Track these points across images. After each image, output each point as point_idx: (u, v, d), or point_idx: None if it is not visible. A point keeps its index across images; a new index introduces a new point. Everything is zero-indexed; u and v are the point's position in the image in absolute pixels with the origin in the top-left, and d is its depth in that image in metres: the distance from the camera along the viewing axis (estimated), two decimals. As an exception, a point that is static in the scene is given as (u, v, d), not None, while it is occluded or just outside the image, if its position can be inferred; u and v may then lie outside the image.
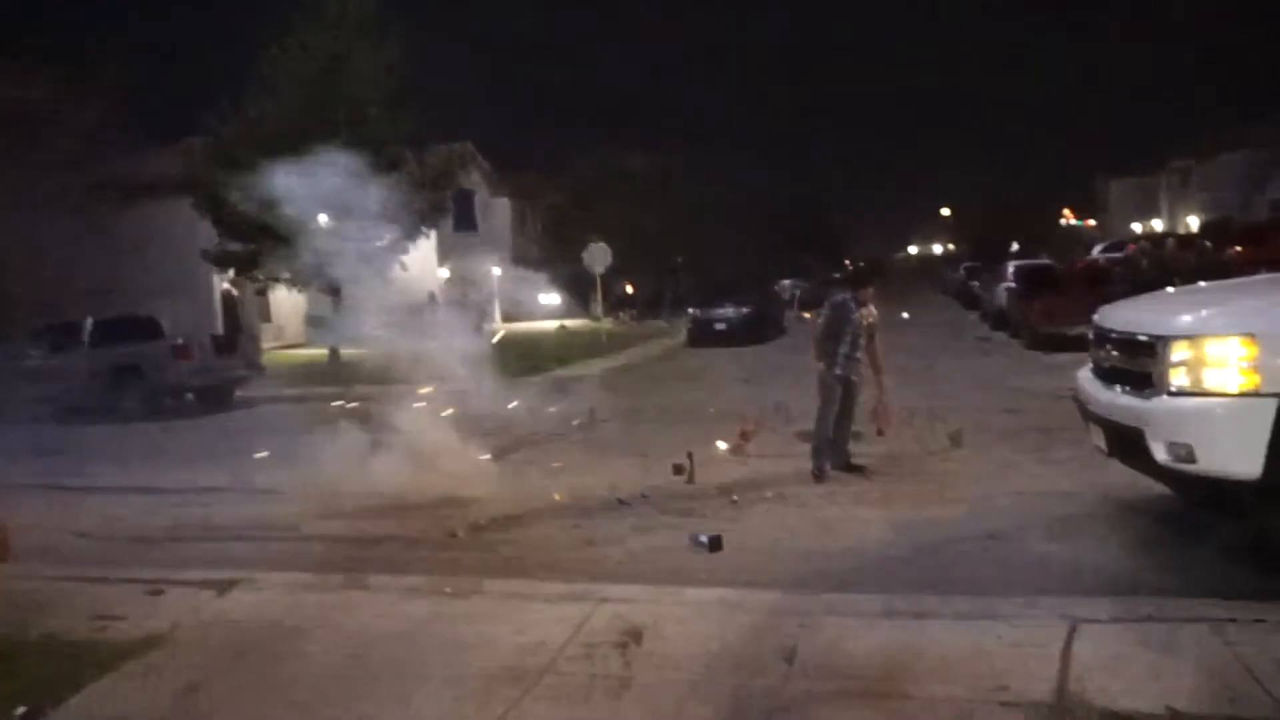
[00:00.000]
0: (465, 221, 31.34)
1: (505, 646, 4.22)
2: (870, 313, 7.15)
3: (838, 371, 7.04)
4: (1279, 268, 7.47)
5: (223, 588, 5.16)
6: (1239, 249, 19.59)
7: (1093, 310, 5.77)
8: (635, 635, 4.19)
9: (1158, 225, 47.01)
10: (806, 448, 7.93)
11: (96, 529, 6.77)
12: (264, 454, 7.71)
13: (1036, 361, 14.24)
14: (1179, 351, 4.42)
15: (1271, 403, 4.16)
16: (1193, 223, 41.37)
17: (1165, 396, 4.46)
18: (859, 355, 7.09)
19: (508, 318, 33.10)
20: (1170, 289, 6.16)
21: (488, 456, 8.40)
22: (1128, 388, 4.87)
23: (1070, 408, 5.78)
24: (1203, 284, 6.68)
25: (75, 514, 7.24)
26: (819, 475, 7.05)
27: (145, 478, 8.43)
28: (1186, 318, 4.54)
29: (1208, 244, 17.46)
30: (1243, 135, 37.81)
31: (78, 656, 4.29)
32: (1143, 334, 4.79)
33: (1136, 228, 47.16)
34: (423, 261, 22.62)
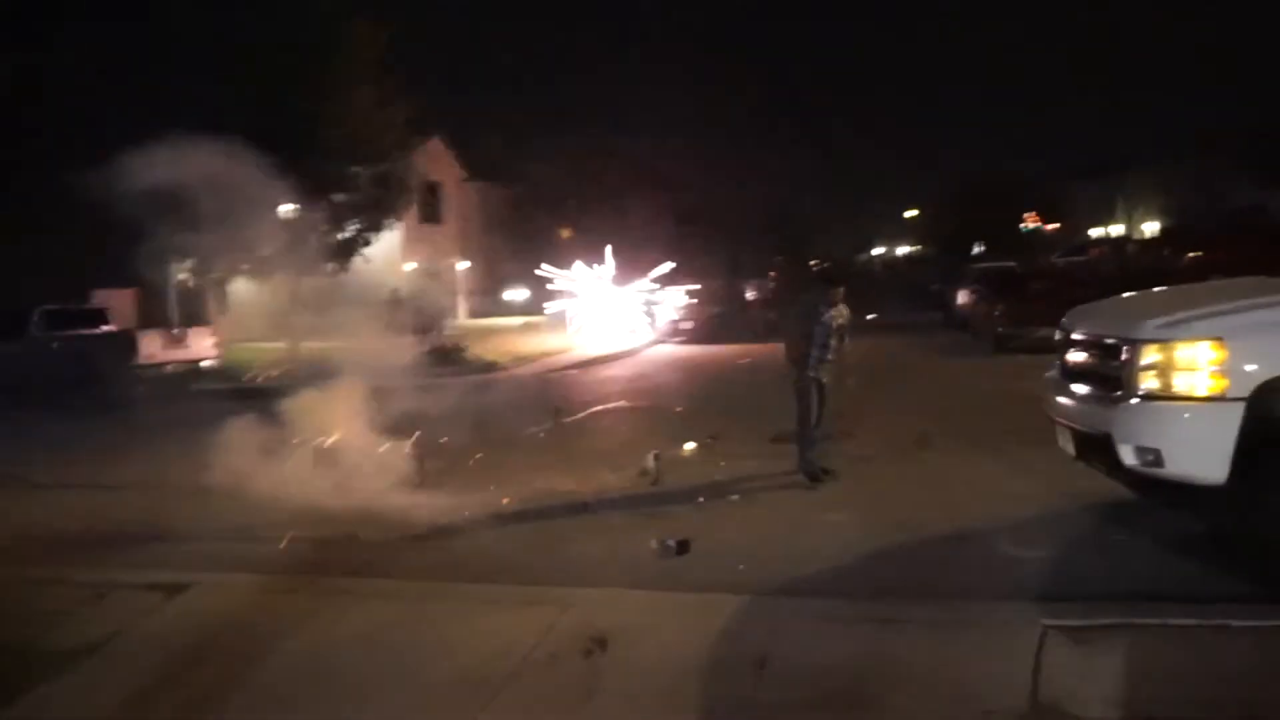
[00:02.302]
0: (431, 214, 30.92)
1: (468, 652, 4.11)
2: (841, 313, 7.11)
3: (810, 373, 6.99)
4: (1234, 273, 7.57)
5: (171, 591, 4.97)
6: (1196, 254, 20.00)
7: (1056, 314, 5.78)
8: (601, 641, 4.09)
9: (1116, 230, 47.91)
10: (773, 449, 7.88)
11: (37, 526, 6.50)
12: (218, 450, 7.46)
13: (1000, 364, 14.37)
14: (1148, 355, 4.42)
15: (1238, 407, 4.18)
16: (1150, 228, 42.27)
17: (1134, 400, 4.46)
18: (830, 356, 7.04)
19: (473, 313, 32.80)
20: (1133, 293, 6.17)
21: (449, 457, 8.23)
22: (1095, 391, 4.87)
23: (1036, 410, 5.78)
24: (1160, 289, 6.74)
25: (15, 509, 6.94)
26: (813, 477, 6.97)
27: (91, 472, 8.12)
28: (1155, 322, 4.54)
29: (1167, 250, 17.79)
30: (1199, 141, 38.63)
31: (14, 664, 4.09)
32: (1111, 337, 4.79)
33: (1096, 232, 48.07)
34: (387, 255, 22.26)
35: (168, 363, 15.24)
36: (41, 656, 4.21)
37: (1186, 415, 4.27)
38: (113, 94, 18.60)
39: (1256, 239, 19.26)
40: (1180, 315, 4.48)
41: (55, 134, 18.52)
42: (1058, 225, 51.69)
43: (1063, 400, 5.20)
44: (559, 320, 23.60)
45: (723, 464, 7.83)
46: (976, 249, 43.30)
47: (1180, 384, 4.28)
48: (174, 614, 4.76)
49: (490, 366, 17.55)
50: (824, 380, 7.04)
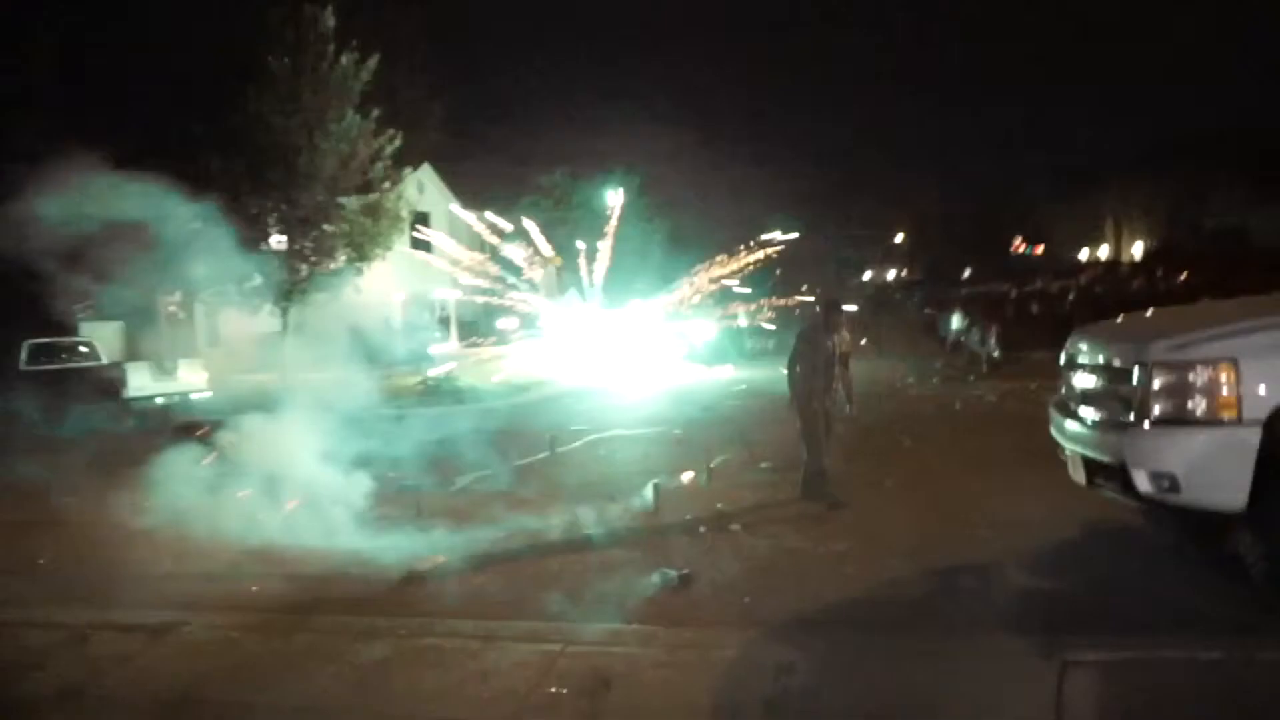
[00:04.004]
0: (422, 243, 30.88)
1: (466, 695, 3.96)
2: (844, 339, 7.01)
3: (815, 401, 6.86)
4: (1223, 294, 7.57)
5: (155, 632, 4.79)
6: (1185, 275, 20.10)
7: (1049, 336, 5.69)
8: (605, 681, 3.95)
9: (1103, 252, 48.22)
10: (773, 477, 7.75)
11: (14, 565, 6.29)
12: (199, 488, 7.27)
13: (996, 387, 14.33)
14: (1160, 378, 4.32)
15: (1255, 431, 4.08)
16: (1137, 249, 42.57)
17: (1147, 425, 4.35)
18: (834, 384, 6.91)
19: (466, 342, 32.60)
20: (1137, 314, 6.09)
21: (441, 490, 8.07)
22: (1106, 416, 4.76)
23: (1037, 432, 5.69)
24: (1163, 310, 6.67)
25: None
26: (832, 505, 6.78)
27: (71, 509, 7.87)
28: (1166, 344, 4.45)
29: (1159, 271, 17.88)
30: (1177, 160, 39.12)
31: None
32: (1120, 361, 4.69)
33: (1083, 254, 48.40)
34: (378, 285, 22.13)
35: (157, 395, 15.03)
36: (22, 704, 4.04)
37: (1203, 440, 4.17)
38: (100, 121, 18.51)
39: (1240, 259, 19.48)
40: (1191, 337, 4.39)
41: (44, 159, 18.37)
42: (1041, 248, 52.07)
43: (1071, 426, 5.09)
44: (537, 346, 23.30)
45: (722, 493, 7.69)
46: (965, 273, 43.61)
47: (1195, 408, 4.18)
48: (159, 656, 4.58)
49: (482, 395, 17.41)
50: (828, 407, 6.92)
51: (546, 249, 25.22)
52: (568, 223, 31.03)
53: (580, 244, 23.88)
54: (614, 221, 23.11)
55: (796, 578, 5.41)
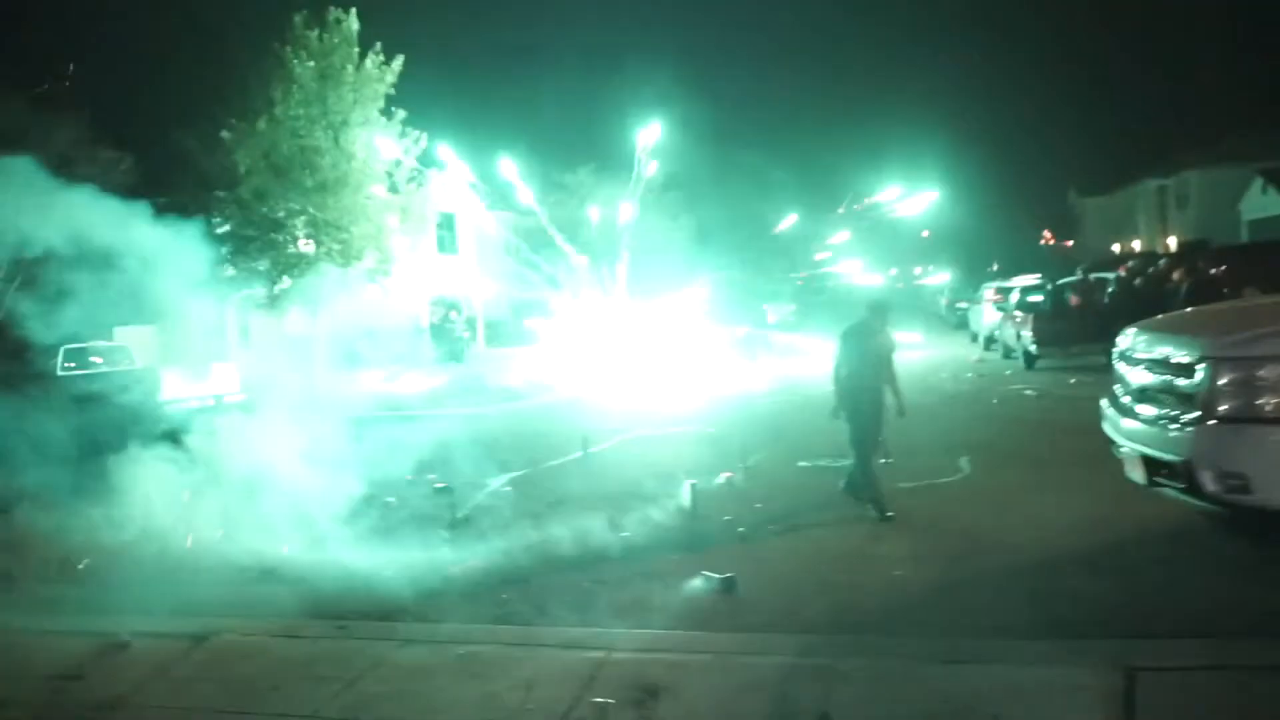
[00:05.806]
0: (449, 244, 30.98)
1: (510, 705, 3.86)
2: (887, 336, 6.82)
3: (863, 401, 6.68)
4: (1267, 287, 7.36)
5: (196, 640, 4.74)
6: (1224, 269, 19.56)
7: (1090, 330, 5.52)
8: (650, 690, 3.83)
9: (1136, 245, 47.29)
10: (811, 476, 7.59)
11: (50, 572, 6.27)
12: (242, 492, 7.23)
13: (1034, 381, 14.02)
14: (1228, 374, 4.15)
15: (1329, 428, 3.90)
16: (1171, 243, 41.70)
17: (1214, 423, 4.18)
18: (878, 384, 6.71)
19: (494, 343, 32.65)
20: (1194, 308, 5.90)
21: (477, 492, 8.00)
22: (1168, 413, 4.58)
23: (1084, 430, 5.50)
24: (1221, 304, 6.46)
25: (25, 554, 6.68)
26: (881, 514, 6.50)
27: (106, 513, 7.86)
28: (1231, 339, 4.29)
29: (1200, 264, 17.38)
30: (1214, 151, 38.34)
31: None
32: (1183, 356, 4.51)
33: (1115, 248, 47.50)
34: (405, 286, 22.19)
35: (191, 398, 15.11)
36: (64, 713, 4.00)
37: (1275, 438, 3.98)
38: (123, 124, 18.68)
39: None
40: (1259, 331, 4.22)
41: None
42: (1071, 242, 51.29)
43: (1128, 424, 4.91)
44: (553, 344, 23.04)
45: (760, 492, 7.54)
46: (994, 266, 42.99)
47: (1267, 405, 4.00)
48: (200, 663, 4.53)
49: (513, 395, 17.36)
50: (874, 406, 6.73)
51: (569, 249, 25.14)
52: (590, 223, 30.91)
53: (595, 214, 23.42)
54: (641, 180, 22.51)
55: (843, 580, 5.27)
